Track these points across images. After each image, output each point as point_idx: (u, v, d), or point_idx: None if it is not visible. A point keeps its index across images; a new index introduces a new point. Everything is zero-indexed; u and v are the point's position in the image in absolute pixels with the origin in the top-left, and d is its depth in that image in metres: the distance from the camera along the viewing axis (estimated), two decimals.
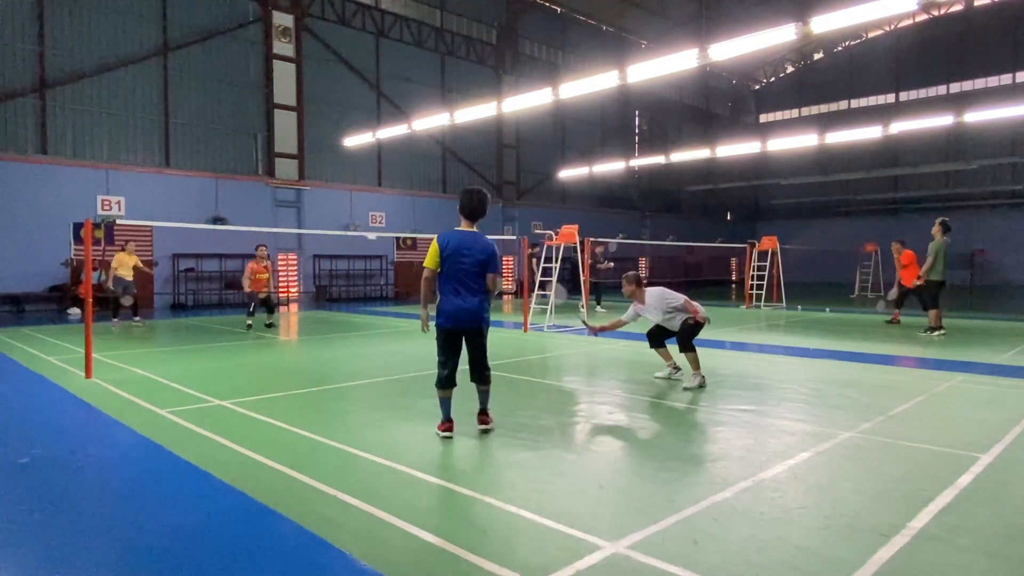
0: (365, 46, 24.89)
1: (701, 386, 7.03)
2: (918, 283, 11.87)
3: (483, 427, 5.23)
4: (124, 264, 13.93)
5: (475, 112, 19.08)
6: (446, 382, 5.12)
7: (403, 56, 26.01)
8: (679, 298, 7.36)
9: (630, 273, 7.79)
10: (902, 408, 6.09)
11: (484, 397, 5.30)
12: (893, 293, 14.11)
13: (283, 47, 22.33)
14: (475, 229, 5.21)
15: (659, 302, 7.38)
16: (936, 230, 11.58)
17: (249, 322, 13.39)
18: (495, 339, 11.88)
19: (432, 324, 5.20)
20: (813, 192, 42.17)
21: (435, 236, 5.13)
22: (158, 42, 19.76)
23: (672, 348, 7.57)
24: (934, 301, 11.63)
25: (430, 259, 5.08)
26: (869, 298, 21.68)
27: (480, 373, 5.24)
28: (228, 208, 20.86)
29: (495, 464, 4.55)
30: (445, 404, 5.15)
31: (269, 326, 13.54)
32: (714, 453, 4.72)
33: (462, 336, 5.13)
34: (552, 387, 7.35)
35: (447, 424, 5.13)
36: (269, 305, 13.65)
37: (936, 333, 11.54)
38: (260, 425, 5.48)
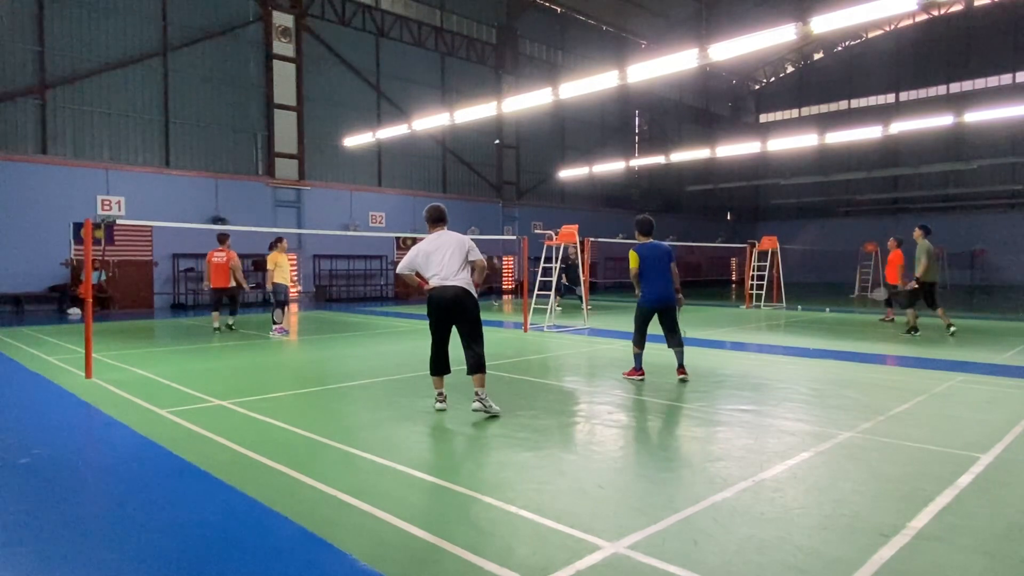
0: (365, 46, 24.89)
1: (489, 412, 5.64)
2: (913, 285, 11.90)
3: (682, 377, 7.29)
4: (281, 265, 11.98)
5: (475, 112, 19.08)
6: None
7: (403, 56, 26.01)
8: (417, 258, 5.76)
9: (435, 207, 5.92)
10: (902, 408, 6.08)
11: (680, 356, 7.37)
12: (881, 293, 14.06)
13: (283, 47, 22.34)
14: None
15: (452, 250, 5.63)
16: (918, 234, 11.85)
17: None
18: (495, 339, 11.89)
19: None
20: (813, 192, 42.15)
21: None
22: (158, 42, 19.77)
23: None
24: (932, 300, 11.63)
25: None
26: (869, 298, 21.73)
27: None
28: (228, 208, 20.87)
29: (495, 464, 4.54)
30: (639, 359, 7.40)
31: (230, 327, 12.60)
32: (714, 453, 4.71)
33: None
34: (552, 387, 7.34)
35: (640, 372, 7.36)
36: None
37: (915, 333, 11.60)
38: (260, 425, 5.48)
